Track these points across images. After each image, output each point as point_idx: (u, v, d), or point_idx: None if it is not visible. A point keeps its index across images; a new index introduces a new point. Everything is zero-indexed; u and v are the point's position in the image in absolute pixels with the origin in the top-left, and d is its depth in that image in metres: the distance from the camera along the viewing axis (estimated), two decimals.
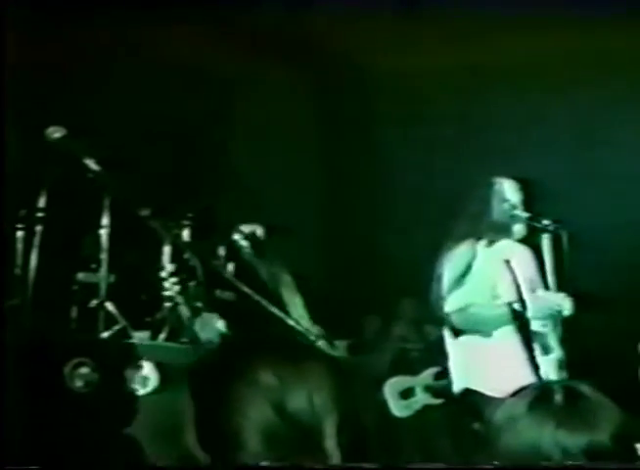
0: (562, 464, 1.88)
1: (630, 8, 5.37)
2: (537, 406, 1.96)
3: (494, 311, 4.92)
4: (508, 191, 5.12)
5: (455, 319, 4.85)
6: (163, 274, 4.40)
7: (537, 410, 1.95)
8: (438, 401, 5.90)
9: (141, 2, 5.26)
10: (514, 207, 5.06)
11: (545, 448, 1.90)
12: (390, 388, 6.05)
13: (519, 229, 5.09)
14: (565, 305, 4.85)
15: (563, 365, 4.89)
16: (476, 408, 4.79)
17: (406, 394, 6.01)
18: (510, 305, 4.88)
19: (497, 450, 1.96)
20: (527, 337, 5.00)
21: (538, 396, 1.99)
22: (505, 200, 5.08)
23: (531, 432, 1.93)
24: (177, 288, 4.42)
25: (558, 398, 1.96)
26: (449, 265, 4.95)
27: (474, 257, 5.02)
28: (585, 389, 2.00)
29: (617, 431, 1.94)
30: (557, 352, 4.95)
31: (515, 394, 2.07)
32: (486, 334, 4.87)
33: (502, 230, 5.09)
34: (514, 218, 5.06)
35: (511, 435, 1.95)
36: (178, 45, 5.79)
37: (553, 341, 4.96)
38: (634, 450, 1.97)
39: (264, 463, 1.50)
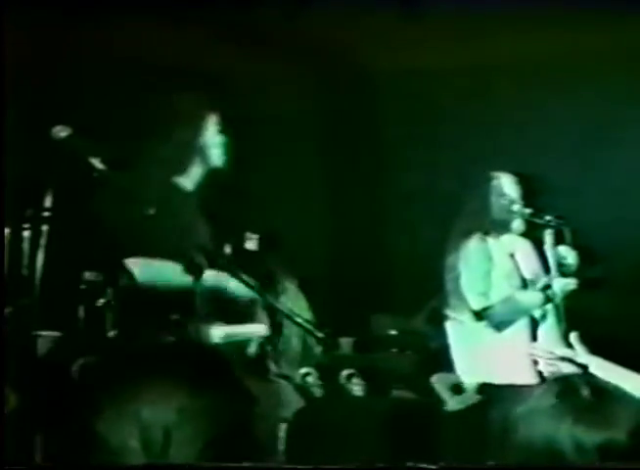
0: (561, 465, 1.88)
1: (632, 6, 5.38)
2: (560, 400, 1.96)
3: (530, 297, 4.98)
4: (507, 186, 5.16)
5: (499, 311, 4.90)
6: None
7: (559, 404, 1.96)
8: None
9: (142, 2, 5.28)
10: (513, 202, 5.10)
11: (560, 443, 1.91)
12: (439, 383, 6.04)
13: (518, 224, 5.13)
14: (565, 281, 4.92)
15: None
16: (497, 401, 4.83)
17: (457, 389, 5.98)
18: (542, 287, 4.95)
19: (513, 442, 1.96)
20: (535, 328, 5.06)
21: (562, 390, 1.99)
22: (504, 195, 5.12)
23: (548, 425, 1.93)
24: None
25: (584, 392, 1.97)
26: (471, 263, 5.00)
27: (490, 251, 5.08)
28: (609, 385, 2.00)
29: (636, 429, 1.94)
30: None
31: (542, 386, 2.08)
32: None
33: (502, 225, 5.13)
34: (513, 214, 5.09)
35: (528, 427, 1.96)
36: (181, 46, 5.81)
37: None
38: None
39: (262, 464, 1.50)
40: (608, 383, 2.02)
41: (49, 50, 4.17)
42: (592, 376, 2.05)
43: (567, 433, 1.90)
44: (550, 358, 2.97)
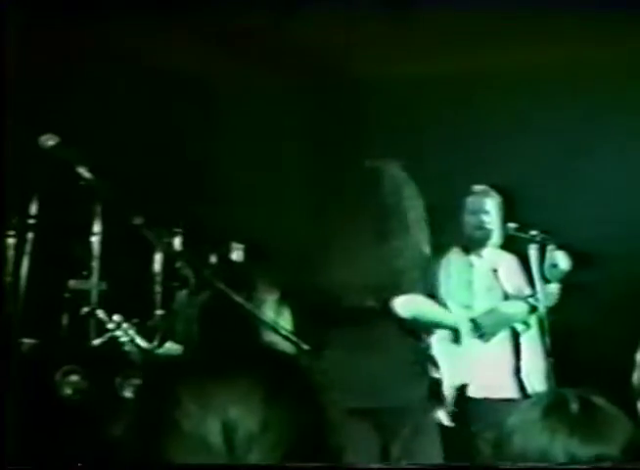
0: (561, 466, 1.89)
1: (616, 17, 5.41)
2: (551, 413, 1.96)
3: (514, 307, 5.00)
4: (489, 200, 5.18)
5: (484, 322, 4.92)
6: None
7: (551, 417, 1.96)
8: None
9: (131, 10, 5.27)
10: (495, 216, 5.12)
11: (554, 456, 1.91)
12: None
13: (500, 239, 5.15)
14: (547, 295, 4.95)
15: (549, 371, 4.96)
16: (469, 413, 4.84)
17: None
18: (526, 299, 4.97)
19: (506, 455, 1.96)
20: (517, 339, 5.08)
21: (553, 403, 2.00)
22: (486, 210, 5.14)
23: (542, 438, 1.93)
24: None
25: (573, 406, 1.96)
26: (453, 276, 5.02)
27: (471, 266, 5.10)
28: (600, 400, 2.00)
29: (629, 445, 1.94)
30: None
31: (529, 400, 2.08)
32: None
33: (482, 240, 5.15)
34: (497, 228, 5.12)
35: (521, 440, 1.96)
36: (171, 53, 5.80)
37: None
38: None
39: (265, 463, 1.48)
40: (597, 398, 2.03)
41: (38, 57, 4.16)
42: (583, 390, 2.04)
43: (561, 446, 1.91)
44: None
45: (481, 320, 4.94)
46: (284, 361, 1.61)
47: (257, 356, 1.60)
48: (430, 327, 4.72)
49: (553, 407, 1.98)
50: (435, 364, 4.69)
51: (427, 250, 4.65)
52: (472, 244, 5.18)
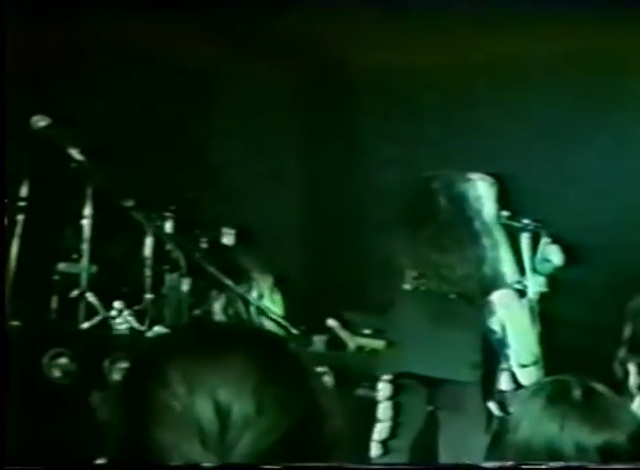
0: (561, 464, 1.88)
1: (613, 9, 5.40)
2: (556, 402, 1.96)
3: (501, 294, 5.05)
4: (482, 188, 5.18)
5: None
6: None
7: (556, 406, 1.95)
8: None
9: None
10: (488, 204, 5.12)
11: (561, 444, 1.91)
12: None
13: (495, 227, 5.16)
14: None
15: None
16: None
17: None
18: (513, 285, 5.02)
19: (513, 444, 1.95)
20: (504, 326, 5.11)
21: (556, 391, 1.99)
22: (480, 197, 5.15)
23: (550, 427, 1.93)
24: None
25: (576, 393, 1.97)
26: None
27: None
28: (602, 388, 2.00)
29: (635, 430, 1.94)
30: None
31: (529, 388, 2.07)
32: None
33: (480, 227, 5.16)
34: (490, 216, 5.12)
35: (528, 429, 1.96)
36: (163, 41, 5.78)
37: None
38: None
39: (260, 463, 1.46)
40: (598, 384, 2.02)
41: (31, 40, 4.13)
42: (584, 378, 2.04)
43: (568, 434, 1.90)
44: None
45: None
46: (276, 344, 1.59)
47: (248, 338, 1.58)
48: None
49: (556, 395, 1.97)
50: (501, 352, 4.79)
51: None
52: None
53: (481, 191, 5.16)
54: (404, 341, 4.65)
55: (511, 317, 4.84)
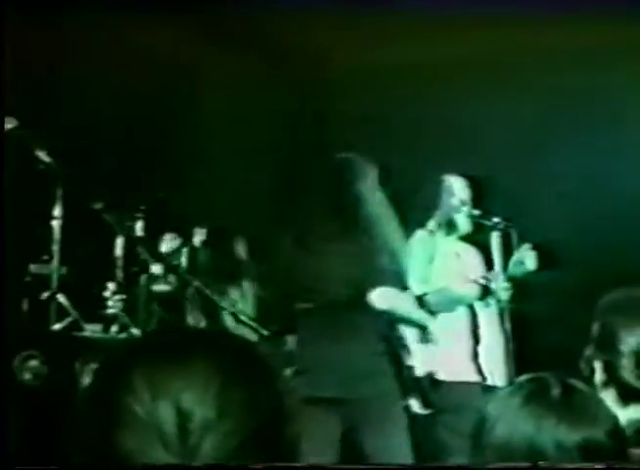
0: (562, 464, 1.88)
1: (583, 8, 5.42)
2: (534, 400, 1.96)
3: (466, 290, 5.03)
4: (457, 188, 5.21)
5: (432, 300, 4.95)
6: (107, 293, 4.40)
7: (534, 404, 1.95)
8: None
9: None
10: (463, 203, 5.15)
11: (540, 443, 1.90)
12: None
13: (465, 225, 5.18)
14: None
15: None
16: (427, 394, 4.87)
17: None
18: (478, 282, 5.01)
19: (491, 444, 1.95)
20: (476, 324, 5.12)
21: (535, 389, 2.00)
22: (454, 196, 5.17)
23: (528, 426, 1.92)
24: (121, 305, 4.43)
25: (555, 392, 1.96)
26: (414, 251, 5.04)
27: (435, 244, 5.13)
28: (581, 385, 2.00)
29: (613, 427, 1.95)
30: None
31: (508, 387, 2.07)
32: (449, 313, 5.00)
33: (450, 226, 5.18)
34: (462, 214, 5.15)
35: (505, 429, 1.95)
36: (139, 37, 5.76)
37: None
38: (627, 450, 1.98)
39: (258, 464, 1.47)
40: (577, 382, 2.03)
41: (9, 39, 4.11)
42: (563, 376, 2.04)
43: (547, 432, 1.90)
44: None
45: (430, 298, 4.98)
46: (241, 348, 1.60)
47: (214, 342, 1.59)
48: (400, 322, 4.74)
49: (535, 394, 1.97)
50: (409, 354, 4.72)
51: (395, 241, 4.67)
52: (443, 227, 5.21)
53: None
54: (309, 366, 4.55)
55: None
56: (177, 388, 1.46)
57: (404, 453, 4.46)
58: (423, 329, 4.82)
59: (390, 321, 4.67)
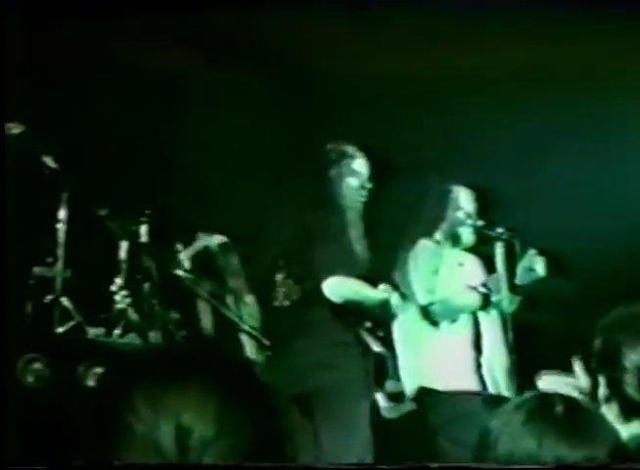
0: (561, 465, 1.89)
1: (576, 22, 5.44)
2: (537, 416, 1.97)
3: (469, 299, 5.04)
4: (463, 199, 5.22)
5: (436, 310, 4.96)
6: (114, 288, 4.41)
7: (537, 420, 1.96)
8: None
9: (95, 4, 5.24)
10: (468, 215, 5.16)
11: (542, 459, 1.91)
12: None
13: (470, 237, 5.19)
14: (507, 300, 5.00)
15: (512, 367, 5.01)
16: (433, 406, 4.86)
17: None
18: (479, 291, 5.02)
19: (493, 458, 1.96)
20: (478, 334, 5.12)
21: (538, 405, 2.01)
22: (460, 208, 5.18)
23: (530, 442, 1.93)
24: (128, 300, 4.44)
25: (558, 409, 1.97)
26: (419, 261, 5.05)
27: (440, 255, 5.14)
28: (585, 402, 2.01)
29: (615, 446, 1.95)
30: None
31: (512, 402, 2.08)
32: (450, 323, 4.99)
33: (455, 237, 5.19)
34: (467, 226, 5.16)
35: (508, 444, 1.96)
36: (132, 45, 5.77)
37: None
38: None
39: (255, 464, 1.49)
40: (582, 399, 2.04)
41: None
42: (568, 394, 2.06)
43: (549, 449, 1.92)
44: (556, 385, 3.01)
45: (433, 308, 4.99)
46: (241, 367, 1.62)
47: (214, 361, 1.61)
48: (359, 307, 4.72)
49: (538, 410, 1.98)
50: (374, 343, 4.68)
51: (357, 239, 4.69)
52: (448, 238, 5.22)
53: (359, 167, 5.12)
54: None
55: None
56: (178, 406, 1.48)
57: (362, 451, 4.41)
58: (386, 306, 4.79)
59: (355, 309, 4.65)
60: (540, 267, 5.01)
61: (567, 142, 6.11)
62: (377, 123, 6.31)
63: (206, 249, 5.12)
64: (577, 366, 2.88)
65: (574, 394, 2.85)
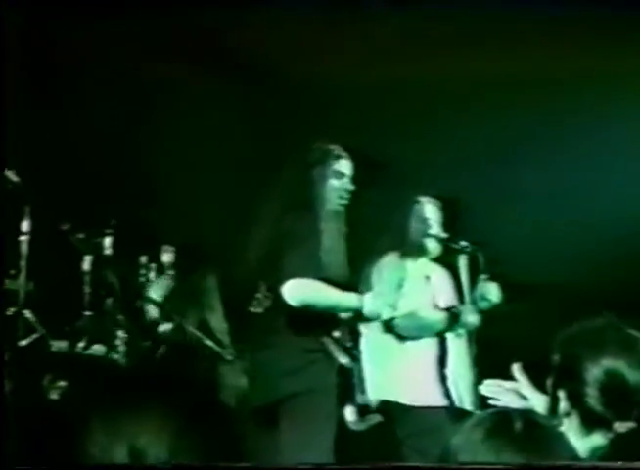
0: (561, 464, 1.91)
1: (550, 29, 5.48)
2: (496, 433, 1.99)
3: (435, 317, 5.04)
4: (428, 210, 5.22)
5: (400, 324, 4.94)
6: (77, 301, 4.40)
7: (495, 437, 1.98)
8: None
9: (67, 3, 5.21)
10: (432, 226, 5.16)
11: None
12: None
13: (435, 248, 5.20)
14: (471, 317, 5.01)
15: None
16: (396, 419, 4.87)
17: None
18: (449, 310, 5.02)
19: None
20: (444, 348, 5.13)
21: (497, 423, 2.02)
22: (425, 219, 5.19)
23: (488, 458, 1.94)
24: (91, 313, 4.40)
25: (517, 426, 1.99)
26: (384, 275, 5.05)
27: (405, 269, 5.13)
28: (543, 418, 2.03)
29: (572, 462, 1.98)
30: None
31: (471, 419, 2.09)
32: (417, 339, 4.99)
33: (420, 249, 5.20)
34: (431, 238, 5.16)
35: (468, 460, 1.97)
36: (104, 50, 5.75)
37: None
38: None
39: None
40: (542, 417, 2.06)
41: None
42: (528, 410, 2.07)
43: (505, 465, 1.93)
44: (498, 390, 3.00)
45: (398, 322, 4.97)
46: (200, 392, 1.62)
47: (172, 387, 1.61)
48: (325, 311, 4.62)
49: (497, 427, 2.00)
50: (340, 354, 4.64)
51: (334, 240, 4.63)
52: (411, 250, 5.22)
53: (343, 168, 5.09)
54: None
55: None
56: (133, 431, 1.49)
57: (324, 451, 4.39)
58: (352, 309, 4.71)
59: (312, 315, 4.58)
60: (494, 294, 5.05)
61: (537, 152, 6.15)
62: (348, 129, 6.31)
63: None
64: (517, 372, 2.91)
65: (516, 399, 2.89)
